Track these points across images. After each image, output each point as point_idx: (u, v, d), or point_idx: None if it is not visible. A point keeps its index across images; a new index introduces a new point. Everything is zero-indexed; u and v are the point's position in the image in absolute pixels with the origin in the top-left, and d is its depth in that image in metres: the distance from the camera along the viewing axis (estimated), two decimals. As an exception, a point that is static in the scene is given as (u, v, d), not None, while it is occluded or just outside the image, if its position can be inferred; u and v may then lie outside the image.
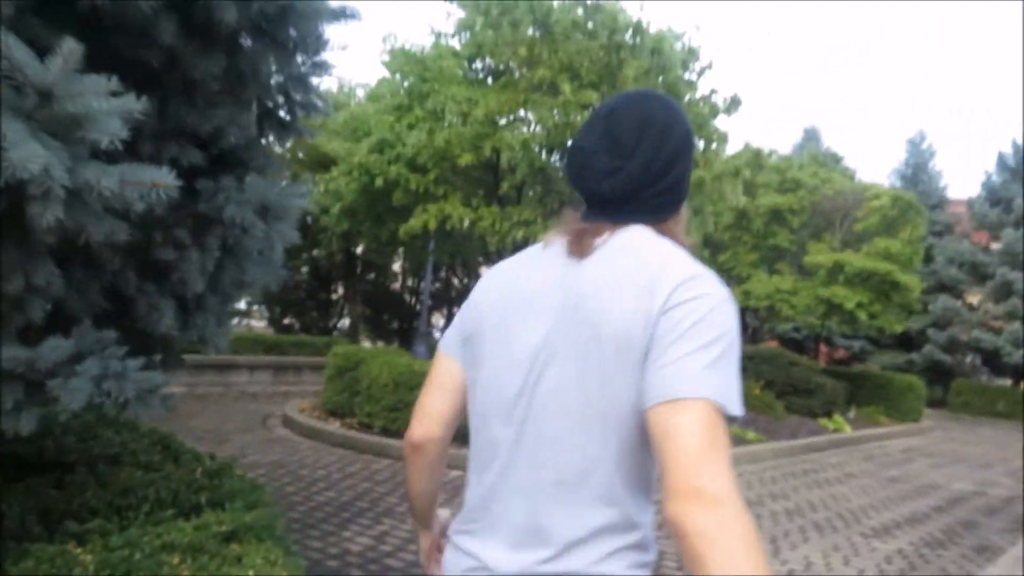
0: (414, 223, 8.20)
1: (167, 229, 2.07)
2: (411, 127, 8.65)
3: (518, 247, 9.81)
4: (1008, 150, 21.63)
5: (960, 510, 7.79)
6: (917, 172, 23.98)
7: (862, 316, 13.23)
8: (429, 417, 1.39)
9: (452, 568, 1.31)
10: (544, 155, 7.95)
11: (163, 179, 1.59)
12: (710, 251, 14.41)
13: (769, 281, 14.50)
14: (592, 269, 1.18)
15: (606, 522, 1.15)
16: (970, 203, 22.20)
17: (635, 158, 1.20)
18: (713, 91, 8.34)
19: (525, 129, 7.70)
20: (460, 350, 1.35)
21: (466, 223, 8.01)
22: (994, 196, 21.35)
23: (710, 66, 8.44)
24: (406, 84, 9.66)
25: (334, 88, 15.68)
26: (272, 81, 2.33)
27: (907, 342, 21.59)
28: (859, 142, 75.00)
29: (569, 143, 1.44)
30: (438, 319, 27.70)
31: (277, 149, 3.59)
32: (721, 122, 9.09)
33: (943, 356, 20.41)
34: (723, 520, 0.94)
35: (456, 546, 1.31)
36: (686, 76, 8.42)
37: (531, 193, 9.86)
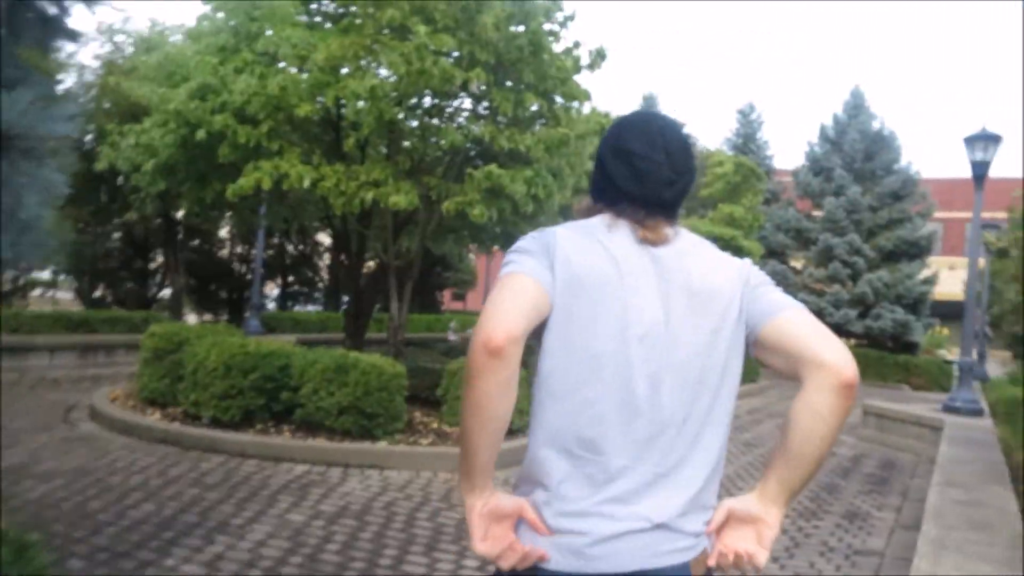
0: (245, 182, 7.12)
1: None
2: (239, 71, 7.50)
3: (366, 212, 8.91)
4: (829, 123, 22.88)
5: (818, 473, 7.83)
6: (747, 142, 24.96)
7: (709, 281, 13.39)
8: (514, 319, 1.29)
9: (600, 529, 1.33)
10: (394, 107, 7.09)
11: None
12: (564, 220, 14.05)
13: (618, 247, 14.40)
14: (691, 255, 1.46)
15: (719, 468, 1.45)
16: (795, 173, 23.35)
17: (685, 175, 1.48)
18: (577, 43, 7.79)
19: (372, 77, 6.80)
20: (552, 287, 1.37)
21: (306, 183, 7.02)
22: (816, 166, 22.55)
23: (572, 17, 7.87)
24: (232, 24, 8.44)
25: (145, 30, 13.85)
26: None
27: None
28: (692, 111, 78.27)
29: (620, 147, 1.49)
30: (272, 289, 26.06)
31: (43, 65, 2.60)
32: (583, 78, 8.56)
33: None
34: None
35: (595, 514, 1.34)
36: (548, 27, 7.80)
37: (374, 152, 8.97)
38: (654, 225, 1.44)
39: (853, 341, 21.48)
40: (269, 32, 7.58)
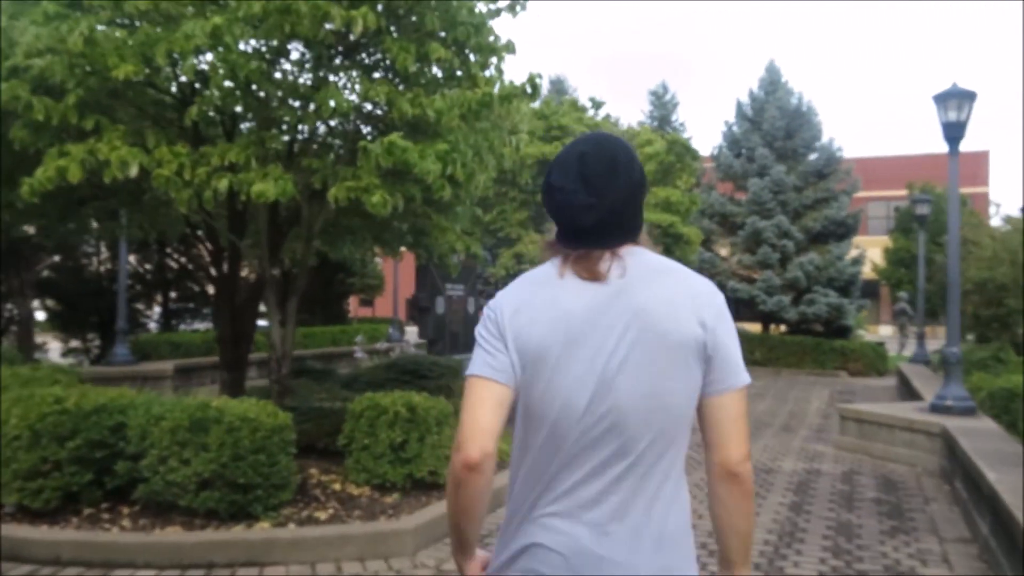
0: (42, 174, 5.07)
1: None
2: (36, 23, 5.44)
3: (238, 212, 6.96)
4: (745, 100, 21.86)
5: (818, 505, 6.36)
6: (662, 124, 23.76)
7: (647, 274, 11.88)
8: (485, 433, 1.47)
9: (547, 540, 1.49)
10: (252, 62, 5.16)
11: None
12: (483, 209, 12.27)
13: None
14: (641, 293, 1.49)
15: (680, 492, 1.56)
16: (714, 155, 22.23)
17: (608, 195, 1.50)
18: (492, -22, 6.08)
19: (217, 15, 4.85)
20: (511, 374, 1.51)
21: (133, 170, 5.05)
22: (736, 147, 21.50)
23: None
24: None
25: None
26: None
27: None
28: (604, 94, 77.39)
29: (546, 182, 1.55)
30: (155, 309, 23.39)
31: None
32: (503, 25, 6.89)
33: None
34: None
35: (545, 526, 1.50)
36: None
37: (243, 134, 6.99)
38: (587, 260, 1.51)
39: (784, 328, 20.57)
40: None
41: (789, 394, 14.65)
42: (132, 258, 19.13)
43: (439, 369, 8.13)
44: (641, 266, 1.52)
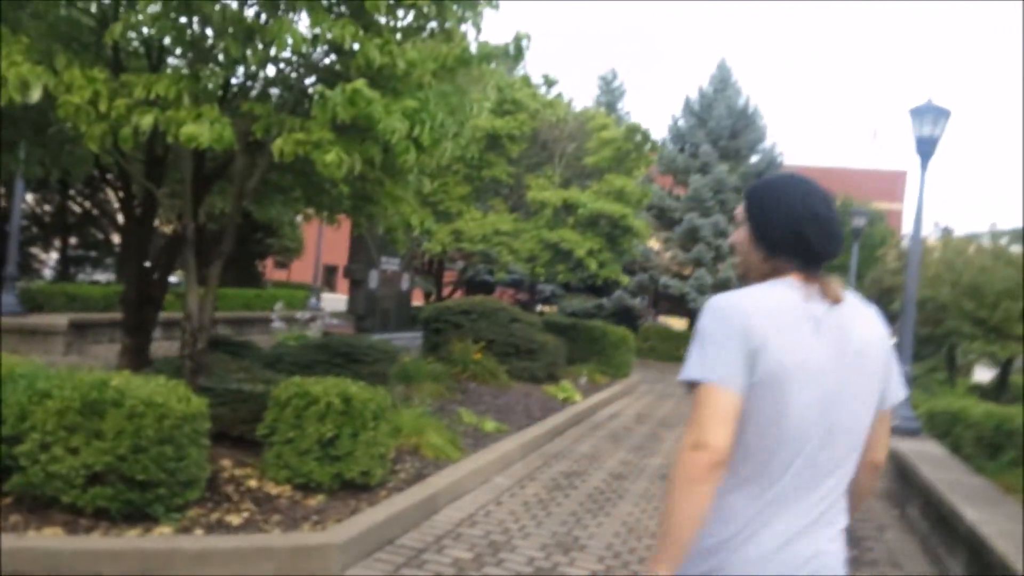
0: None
1: None
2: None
3: (158, 157, 6.07)
4: (695, 96, 21.61)
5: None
6: (608, 111, 23.30)
7: (593, 266, 11.37)
8: (725, 435, 1.53)
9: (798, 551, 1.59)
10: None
11: None
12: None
13: (484, 220, 12.08)
14: (858, 325, 1.66)
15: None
16: (658, 148, 21.92)
17: (840, 231, 1.71)
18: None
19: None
20: (746, 386, 1.56)
21: (35, 93, 4.15)
22: (680, 141, 21.27)
23: None
24: None
25: None
26: None
27: (595, 287, 20.99)
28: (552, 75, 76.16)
29: (813, 211, 1.68)
30: (52, 255, 21.70)
31: None
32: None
33: (632, 301, 20.02)
34: None
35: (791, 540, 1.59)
36: None
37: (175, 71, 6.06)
38: (828, 284, 1.65)
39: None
40: None
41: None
42: (29, 197, 17.59)
43: (375, 353, 7.41)
44: (854, 300, 1.71)
